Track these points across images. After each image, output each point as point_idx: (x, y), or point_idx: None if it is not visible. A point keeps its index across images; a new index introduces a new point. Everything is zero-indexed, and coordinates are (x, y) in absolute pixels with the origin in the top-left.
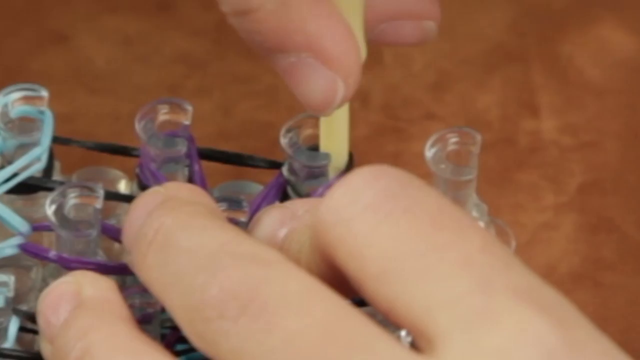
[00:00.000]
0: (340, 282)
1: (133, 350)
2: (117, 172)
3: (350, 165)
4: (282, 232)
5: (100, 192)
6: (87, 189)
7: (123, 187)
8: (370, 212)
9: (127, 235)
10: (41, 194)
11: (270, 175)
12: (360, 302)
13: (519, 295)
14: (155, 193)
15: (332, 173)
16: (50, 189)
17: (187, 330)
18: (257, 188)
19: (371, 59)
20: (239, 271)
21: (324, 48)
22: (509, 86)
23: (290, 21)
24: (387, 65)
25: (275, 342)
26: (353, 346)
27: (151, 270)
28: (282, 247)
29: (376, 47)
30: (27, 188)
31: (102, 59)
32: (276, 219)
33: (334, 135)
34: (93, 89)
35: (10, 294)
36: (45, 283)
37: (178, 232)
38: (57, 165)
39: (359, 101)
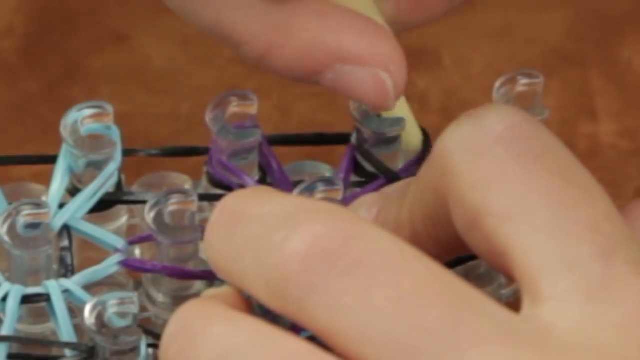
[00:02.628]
0: (435, 244)
1: (229, 317)
2: (180, 175)
3: (427, 143)
4: (374, 211)
5: (195, 196)
6: (182, 194)
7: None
8: (501, 147)
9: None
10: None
11: (329, 154)
12: None
13: (638, 270)
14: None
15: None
16: (126, 202)
17: (263, 293)
18: (322, 167)
19: (430, 62)
20: (322, 225)
21: (348, 52)
22: (568, 90)
23: (305, 46)
24: (445, 68)
25: (378, 300)
26: (461, 306)
27: (218, 244)
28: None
29: (435, 50)
30: (104, 205)
31: (161, 59)
32: (368, 203)
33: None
34: (151, 89)
35: (136, 310)
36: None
37: (243, 203)
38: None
39: (417, 103)
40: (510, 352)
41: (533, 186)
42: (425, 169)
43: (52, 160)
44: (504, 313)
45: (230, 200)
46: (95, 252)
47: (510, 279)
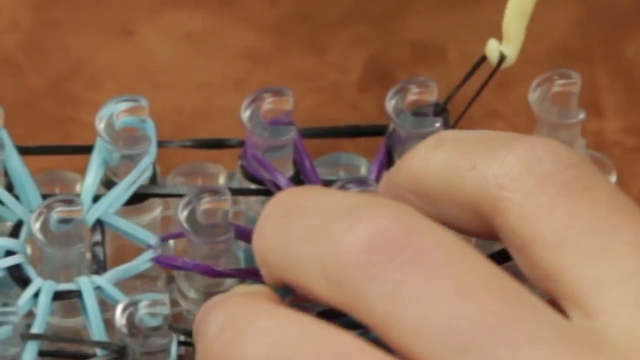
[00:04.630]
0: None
1: (276, 312)
2: (216, 166)
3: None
4: None
5: (229, 195)
6: (216, 194)
7: (223, 180)
8: (550, 183)
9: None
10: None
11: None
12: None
13: None
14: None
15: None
16: (161, 196)
17: (319, 283)
18: (354, 158)
19: (436, 57)
20: (386, 218)
21: None
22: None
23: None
24: (451, 63)
25: (437, 293)
26: (518, 304)
27: (271, 236)
28: None
29: (441, 46)
30: (138, 198)
31: (166, 54)
32: None
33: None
34: (157, 84)
35: (167, 311)
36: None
37: (300, 198)
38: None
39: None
40: (565, 352)
41: (581, 215)
42: (462, 184)
43: (87, 150)
44: (558, 316)
45: (286, 196)
46: (129, 239)
47: (555, 298)
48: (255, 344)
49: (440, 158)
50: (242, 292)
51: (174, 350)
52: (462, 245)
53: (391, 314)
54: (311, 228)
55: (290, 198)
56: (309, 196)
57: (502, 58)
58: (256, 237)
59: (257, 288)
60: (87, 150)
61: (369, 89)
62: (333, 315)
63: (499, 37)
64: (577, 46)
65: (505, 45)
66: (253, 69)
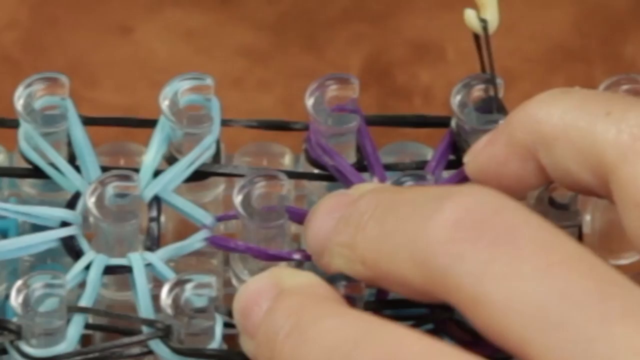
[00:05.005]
0: None
1: (340, 312)
2: (281, 147)
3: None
4: None
5: (286, 179)
6: (272, 178)
7: (288, 162)
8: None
9: (316, 238)
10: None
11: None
12: None
13: None
14: (343, 195)
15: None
16: (221, 175)
17: (407, 267)
18: (423, 148)
19: (434, 56)
20: (474, 198)
21: None
22: (572, 85)
23: None
24: (450, 62)
25: (526, 270)
26: (609, 281)
27: (369, 230)
28: None
29: (439, 44)
30: (199, 176)
31: (164, 51)
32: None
33: None
34: (155, 82)
35: (214, 293)
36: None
37: (394, 193)
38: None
39: (421, 97)
40: None
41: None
42: (590, 128)
43: (153, 124)
44: None
45: (387, 194)
46: None
47: None
48: (324, 347)
49: (569, 102)
50: (296, 284)
51: (219, 331)
52: (549, 224)
53: (480, 291)
54: (403, 217)
55: (385, 193)
56: (403, 190)
57: (484, 23)
58: (353, 234)
59: (315, 281)
60: (153, 123)
61: (367, 87)
62: (380, 307)
63: (497, 37)
64: (575, 45)
65: (482, 13)
66: (251, 67)
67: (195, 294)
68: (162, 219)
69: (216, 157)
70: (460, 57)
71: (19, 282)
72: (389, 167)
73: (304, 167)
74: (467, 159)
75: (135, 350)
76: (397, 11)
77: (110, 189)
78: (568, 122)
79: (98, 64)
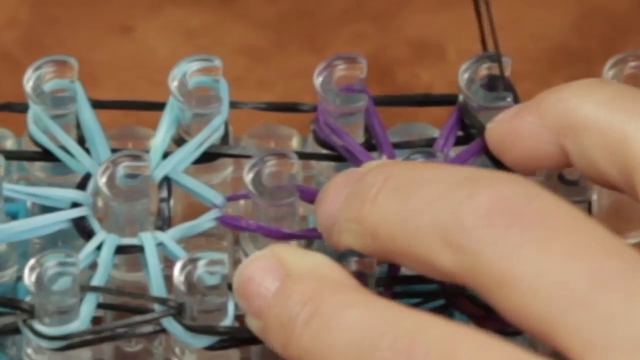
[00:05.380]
0: None
1: (361, 299)
2: (289, 128)
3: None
4: None
5: (295, 158)
6: (283, 156)
7: (295, 143)
8: None
9: (326, 215)
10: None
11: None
12: None
13: None
14: (353, 172)
15: None
16: (230, 156)
17: (436, 249)
18: (426, 127)
19: (434, 56)
20: (507, 187)
21: None
22: None
23: None
24: (450, 61)
25: (554, 252)
26: (636, 265)
27: (386, 207)
28: None
29: (440, 44)
30: (208, 157)
31: (165, 50)
32: None
33: None
34: (155, 81)
35: (226, 271)
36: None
37: (414, 171)
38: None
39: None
40: None
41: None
42: (624, 122)
43: (161, 107)
44: None
45: (397, 169)
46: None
47: None
48: (349, 337)
49: (604, 94)
50: (304, 266)
51: (231, 309)
52: (579, 211)
53: (508, 272)
54: (430, 198)
55: (403, 170)
56: (425, 169)
57: None
58: (368, 209)
59: (318, 260)
60: (161, 106)
61: (367, 87)
62: (391, 283)
63: (498, 36)
64: (576, 45)
65: None
66: (252, 66)
67: (207, 271)
68: (171, 202)
69: (225, 138)
70: (461, 57)
71: (32, 261)
72: (397, 146)
73: (312, 148)
74: (490, 125)
75: (148, 328)
76: (397, 10)
77: (121, 169)
78: (600, 114)
79: (98, 63)
